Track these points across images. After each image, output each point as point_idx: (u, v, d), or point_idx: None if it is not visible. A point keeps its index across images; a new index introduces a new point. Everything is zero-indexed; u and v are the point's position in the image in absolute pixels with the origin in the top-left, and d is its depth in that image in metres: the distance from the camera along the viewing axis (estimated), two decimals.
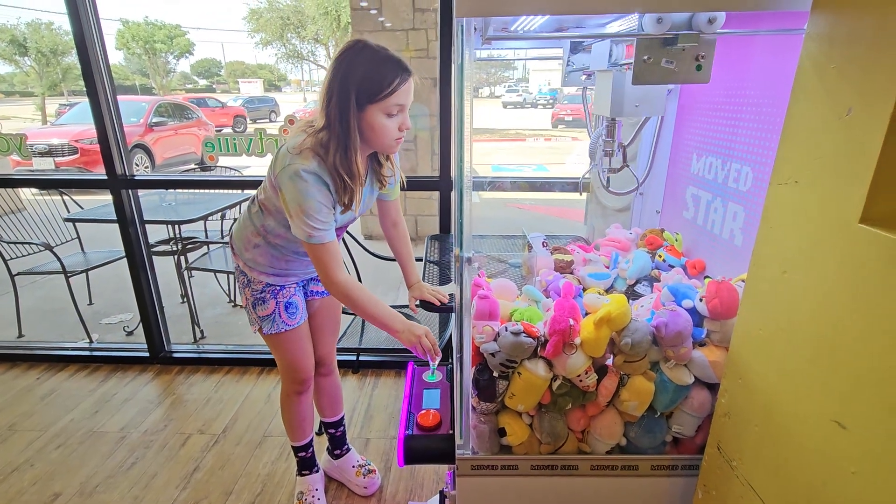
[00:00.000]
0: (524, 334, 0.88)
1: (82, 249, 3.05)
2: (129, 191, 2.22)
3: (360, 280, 1.97)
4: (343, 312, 1.63)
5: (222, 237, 3.13)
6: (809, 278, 0.65)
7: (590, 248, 1.46)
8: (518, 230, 1.58)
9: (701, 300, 0.91)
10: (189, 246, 2.94)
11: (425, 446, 1.07)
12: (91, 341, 2.68)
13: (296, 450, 1.61)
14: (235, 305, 3.25)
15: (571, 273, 1.36)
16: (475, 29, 0.79)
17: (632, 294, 1.28)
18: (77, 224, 2.93)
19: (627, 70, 1.03)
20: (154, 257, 2.44)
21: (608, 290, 1.31)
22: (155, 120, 8.08)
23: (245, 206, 1.33)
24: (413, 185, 2.89)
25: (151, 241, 2.49)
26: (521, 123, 17.31)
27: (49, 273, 2.69)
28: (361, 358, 2.43)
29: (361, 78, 1.00)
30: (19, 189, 3.52)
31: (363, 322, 2.03)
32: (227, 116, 13.20)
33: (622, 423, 0.97)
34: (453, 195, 2.01)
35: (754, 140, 1.00)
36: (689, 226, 1.27)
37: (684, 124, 1.31)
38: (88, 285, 3.24)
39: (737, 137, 1.05)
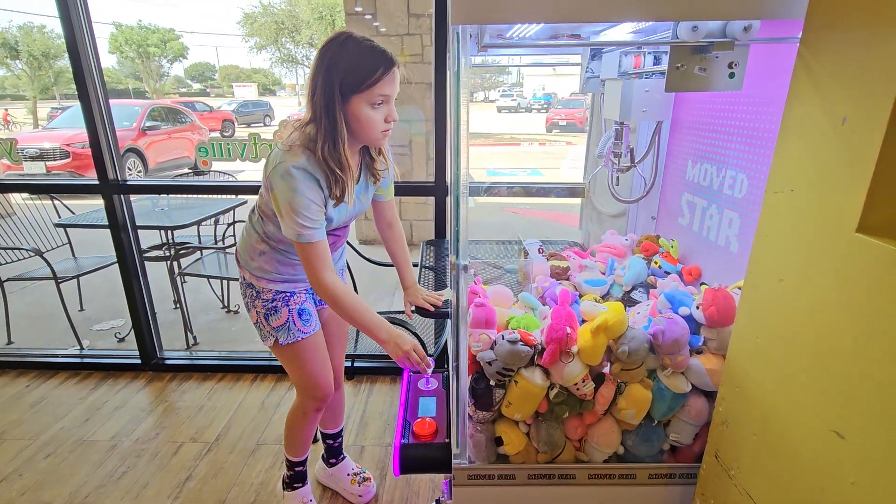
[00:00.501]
0: (521, 343, 0.87)
1: (73, 255, 3.01)
2: (122, 196, 2.20)
3: (355, 286, 1.96)
4: None
5: (216, 242, 3.11)
6: (806, 287, 0.65)
7: (585, 254, 1.45)
8: (513, 235, 1.58)
9: (697, 308, 0.91)
10: (182, 251, 2.91)
11: (421, 455, 1.06)
12: (82, 348, 2.65)
13: (293, 464, 1.56)
14: (229, 311, 3.22)
15: (567, 279, 1.35)
16: (470, 36, 0.79)
17: (628, 300, 1.28)
18: (68, 229, 2.90)
19: (636, 79, 1.06)
20: (146, 263, 2.42)
21: (604, 297, 1.31)
22: (148, 124, 8.03)
23: (247, 216, 1.31)
24: (408, 190, 2.89)
25: (144, 246, 2.47)
26: (516, 128, 17.38)
27: (39, 279, 2.66)
28: (356, 364, 2.41)
29: (345, 69, 1.00)
30: (9, 194, 3.48)
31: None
32: (216, 120, 13.14)
33: (619, 432, 0.96)
34: (448, 200, 2.01)
35: (749, 147, 1.00)
36: (684, 232, 1.27)
37: (679, 131, 1.32)
38: (80, 291, 3.21)
39: (731, 145, 1.05)
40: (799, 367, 0.67)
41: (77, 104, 2.08)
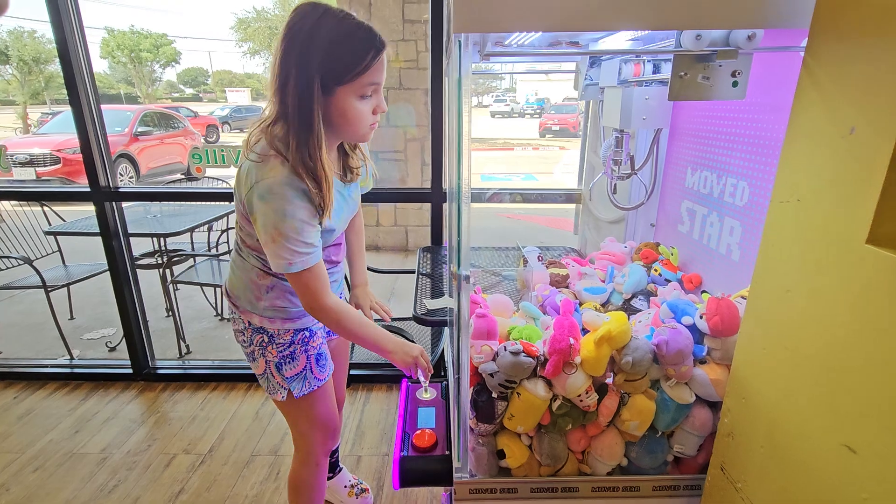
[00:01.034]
0: (523, 354, 0.86)
1: (64, 263, 2.97)
2: (113, 203, 2.17)
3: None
4: None
5: (209, 249, 3.08)
6: (814, 298, 0.64)
7: (585, 261, 1.45)
8: (509, 240, 1.57)
9: (701, 317, 0.90)
10: (175, 259, 2.87)
11: (421, 468, 1.04)
12: (72, 358, 2.60)
13: None
14: (222, 319, 3.18)
15: (567, 287, 1.34)
16: (473, 44, 0.78)
17: (628, 309, 1.27)
18: (59, 237, 2.86)
19: (636, 87, 1.06)
20: (138, 270, 2.38)
21: (604, 305, 1.30)
22: (140, 129, 7.97)
23: (232, 256, 1.11)
24: (404, 196, 2.87)
25: (136, 253, 2.43)
26: (509, 133, 17.47)
27: (28, 287, 2.61)
28: (352, 372, 2.39)
29: (326, 53, 0.81)
30: None
31: None
32: (200, 126, 13.01)
33: (623, 444, 0.95)
34: (446, 207, 1.99)
35: (751, 155, 1.00)
36: (684, 240, 1.27)
37: (679, 138, 1.31)
38: (70, 300, 3.16)
39: (733, 152, 1.05)
40: (807, 380, 0.66)
41: (68, 109, 2.05)
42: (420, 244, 4.71)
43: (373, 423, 2.11)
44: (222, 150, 2.17)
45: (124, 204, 2.25)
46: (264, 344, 1.09)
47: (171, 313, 2.79)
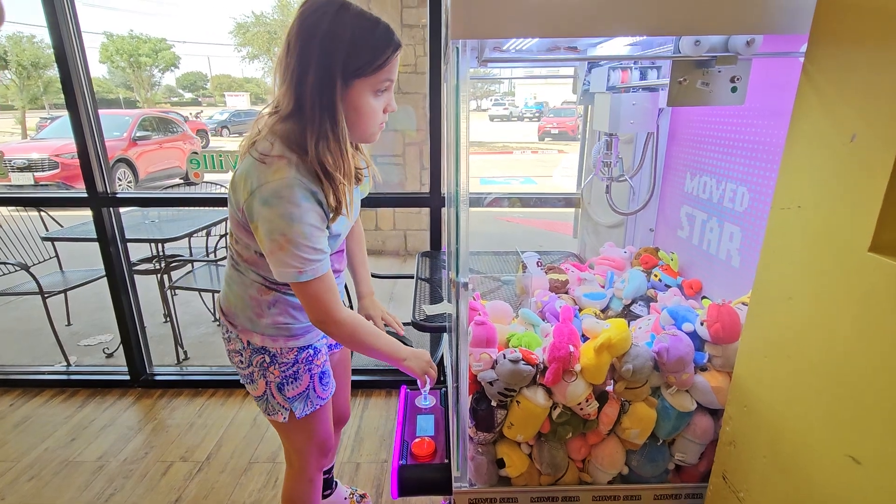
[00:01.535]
0: (523, 362, 0.85)
1: (61, 268, 2.95)
2: (110, 209, 2.16)
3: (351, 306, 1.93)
4: None
5: (207, 254, 3.07)
6: (816, 306, 0.63)
7: (584, 266, 1.44)
8: (507, 244, 1.56)
9: (702, 324, 0.89)
10: (173, 264, 2.86)
11: (420, 477, 1.03)
12: (69, 364, 2.58)
13: None
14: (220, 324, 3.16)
15: (566, 293, 1.34)
16: (471, 49, 0.78)
17: (628, 314, 1.26)
18: (56, 242, 2.84)
19: (623, 93, 1.07)
20: (136, 276, 2.37)
21: (604, 310, 1.29)
22: (139, 134, 7.97)
23: (227, 272, 1.04)
24: (403, 201, 2.86)
25: (134, 258, 2.42)
26: (508, 136, 17.50)
27: (25, 294, 2.59)
28: (351, 378, 2.37)
29: (351, 45, 0.79)
30: None
31: None
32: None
33: (624, 452, 0.94)
34: (444, 211, 1.99)
35: (750, 161, 0.99)
36: (684, 245, 1.26)
37: (677, 143, 1.31)
38: (67, 305, 3.14)
39: (732, 158, 1.05)
40: (810, 389, 0.65)
41: (66, 114, 2.04)
42: (419, 248, 4.71)
43: (371, 429, 2.09)
44: (220, 155, 2.16)
45: (122, 209, 2.24)
46: (265, 364, 1.02)
47: (168, 319, 2.78)
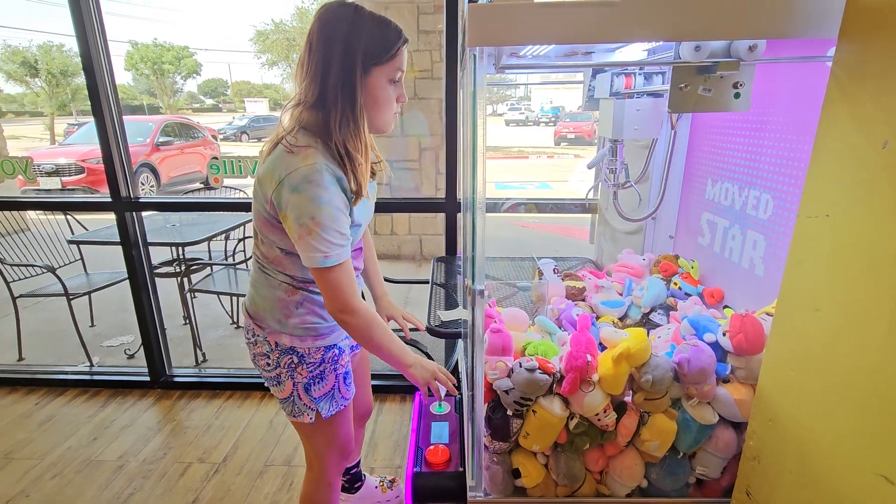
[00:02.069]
0: (539, 370, 0.84)
1: (85, 271, 3.03)
2: (133, 213, 2.21)
3: None
4: None
5: (226, 258, 3.11)
6: (845, 317, 0.61)
7: (602, 273, 1.42)
8: (523, 250, 1.56)
9: (724, 335, 0.87)
10: (193, 267, 2.91)
11: (435, 485, 1.02)
12: (91, 364, 2.64)
13: None
14: (238, 327, 3.21)
15: (584, 300, 1.32)
16: (488, 56, 0.77)
17: (647, 323, 1.24)
18: (81, 245, 2.92)
19: (627, 99, 1.06)
20: (157, 279, 2.42)
21: (622, 319, 1.27)
22: (161, 139, 8.16)
23: (253, 275, 1.08)
24: (419, 206, 2.87)
25: (155, 261, 2.47)
26: (524, 141, 17.45)
27: (51, 295, 2.67)
28: None
29: (369, 35, 0.88)
30: (21, 210, 3.52)
31: None
32: None
33: (643, 464, 0.92)
34: (460, 217, 1.98)
35: (775, 167, 0.97)
36: (704, 252, 1.24)
37: (697, 148, 1.29)
38: (91, 307, 3.22)
39: (756, 164, 1.02)
40: (840, 404, 0.63)
41: (93, 120, 2.10)
42: (434, 253, 4.72)
43: (385, 434, 2.09)
44: (239, 161, 2.19)
45: (144, 213, 2.29)
46: (293, 365, 1.05)
47: (188, 321, 2.83)
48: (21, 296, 2.66)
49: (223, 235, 3.01)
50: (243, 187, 3.28)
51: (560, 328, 1.10)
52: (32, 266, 2.68)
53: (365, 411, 1.46)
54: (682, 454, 0.91)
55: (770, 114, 0.99)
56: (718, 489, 0.94)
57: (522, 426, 0.89)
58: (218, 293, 2.77)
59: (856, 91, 0.60)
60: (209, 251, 3.28)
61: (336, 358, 1.09)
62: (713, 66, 0.84)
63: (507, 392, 0.85)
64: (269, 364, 1.07)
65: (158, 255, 2.75)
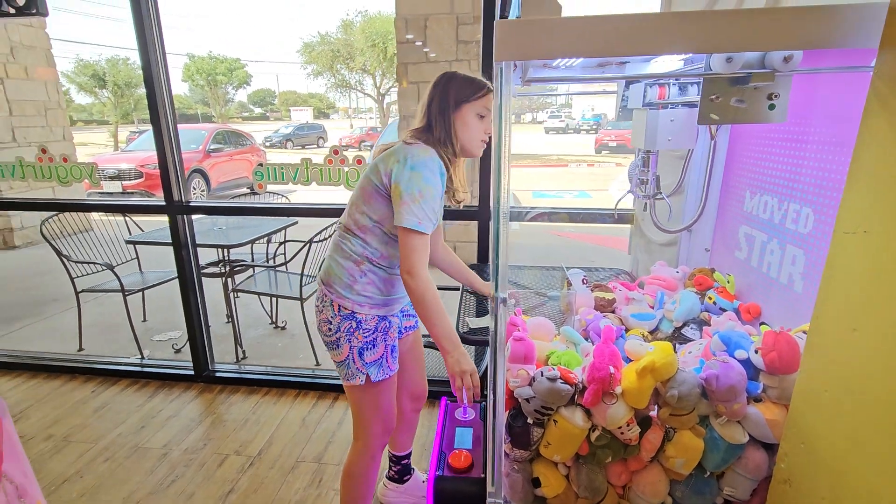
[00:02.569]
0: (561, 380, 0.84)
1: (140, 269, 3.23)
2: (184, 216, 2.35)
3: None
4: None
5: (267, 260, 3.24)
6: (884, 339, 0.59)
7: (633, 285, 1.39)
8: (558, 259, 1.56)
9: (756, 352, 0.84)
10: (236, 269, 3.05)
11: (456, 489, 1.04)
12: (142, 357, 2.81)
13: None
14: (277, 327, 3.33)
15: (613, 312, 1.30)
16: (515, 67, 0.79)
17: (679, 337, 1.20)
18: (137, 245, 3.12)
19: (661, 109, 1.04)
20: (203, 278, 2.55)
21: (653, 332, 1.24)
22: (213, 146, 8.60)
23: (332, 247, 1.32)
24: (451, 214, 2.89)
25: (202, 262, 2.61)
26: (564, 149, 17.23)
27: (109, 291, 2.86)
28: None
29: (459, 86, 1.21)
30: (89, 212, 3.79)
31: None
32: None
33: (667, 481, 0.90)
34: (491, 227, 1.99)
35: (816, 181, 0.93)
36: (741, 266, 1.20)
37: (736, 160, 1.25)
38: (144, 303, 3.42)
39: (797, 177, 0.98)
40: (877, 428, 0.60)
41: (151, 128, 2.26)
42: (467, 260, 4.73)
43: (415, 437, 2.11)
44: (282, 168, 2.29)
45: (194, 216, 2.43)
46: (352, 330, 1.25)
47: (230, 320, 2.96)
48: (83, 290, 2.87)
49: (265, 239, 3.14)
50: (286, 193, 3.42)
51: (587, 339, 1.09)
52: (94, 263, 2.89)
53: (420, 392, 1.57)
54: (709, 473, 0.88)
55: (812, 124, 0.95)
56: None
57: (543, 435, 0.89)
58: (259, 293, 2.89)
59: (895, 102, 0.57)
60: (252, 253, 3.43)
61: (387, 329, 1.29)
62: (747, 78, 0.82)
63: (528, 400, 0.86)
64: (330, 329, 1.27)
65: (205, 256, 2.91)
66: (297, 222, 3.27)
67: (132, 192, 7.11)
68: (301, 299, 2.69)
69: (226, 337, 3.06)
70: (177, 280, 2.45)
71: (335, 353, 1.28)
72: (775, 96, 0.84)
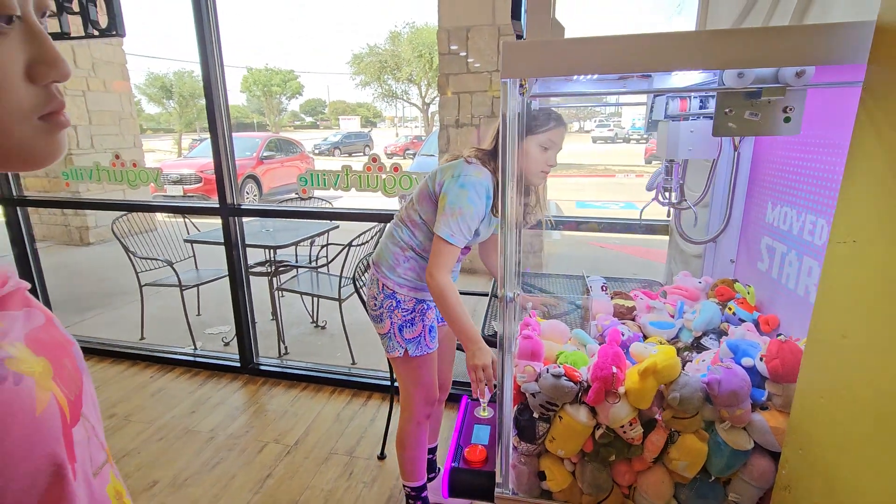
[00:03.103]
0: (565, 377, 0.88)
1: (196, 267, 3.49)
2: (236, 218, 2.54)
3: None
4: None
5: (310, 262, 3.42)
6: (868, 345, 0.60)
7: (655, 295, 1.41)
8: (598, 271, 1.60)
9: (761, 359, 0.86)
10: (281, 269, 3.24)
11: (469, 481, 1.09)
12: (195, 348, 3.04)
13: (416, 492, 1.61)
14: (317, 326, 3.49)
15: (633, 320, 1.32)
16: (524, 83, 0.85)
17: (698, 347, 1.21)
18: (194, 245, 3.38)
19: (682, 121, 1.07)
20: (251, 277, 2.74)
21: (672, 341, 1.25)
22: (265, 154, 9.08)
23: (386, 233, 1.48)
24: None
25: (251, 262, 2.80)
26: (612, 159, 16.87)
27: (168, 286, 3.12)
28: None
29: (529, 118, 1.28)
30: (154, 212, 4.12)
31: None
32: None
33: (671, 483, 0.92)
34: (523, 233, 2.04)
35: (831, 192, 0.93)
36: (763, 278, 1.19)
37: (760, 171, 1.25)
38: (198, 298, 3.69)
39: (814, 188, 0.99)
40: (863, 430, 0.61)
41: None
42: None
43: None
44: (324, 175, 2.44)
45: (245, 218, 2.63)
46: (392, 308, 1.42)
47: (274, 317, 3.15)
48: (146, 284, 3.14)
49: (308, 241, 3.32)
50: (331, 199, 3.59)
51: (600, 343, 1.13)
52: (156, 259, 3.16)
53: (443, 383, 1.69)
54: (713, 478, 0.90)
55: (830, 136, 0.95)
56: None
57: (549, 430, 0.94)
58: (301, 293, 3.05)
59: (881, 117, 0.60)
60: (296, 255, 3.62)
61: (424, 311, 1.45)
62: (759, 92, 0.84)
63: (533, 395, 0.91)
64: (375, 304, 1.45)
65: (253, 256, 3.11)
66: (338, 226, 3.43)
67: (192, 196, 7.62)
68: (340, 300, 2.83)
69: (270, 333, 3.25)
70: (227, 278, 2.65)
71: (379, 326, 1.46)
72: (790, 109, 0.86)
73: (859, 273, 0.63)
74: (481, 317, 1.67)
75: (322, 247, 3.40)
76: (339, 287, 2.82)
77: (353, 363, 2.89)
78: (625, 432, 0.89)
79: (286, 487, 1.91)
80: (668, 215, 1.34)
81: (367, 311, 1.54)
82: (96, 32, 2.03)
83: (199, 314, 3.66)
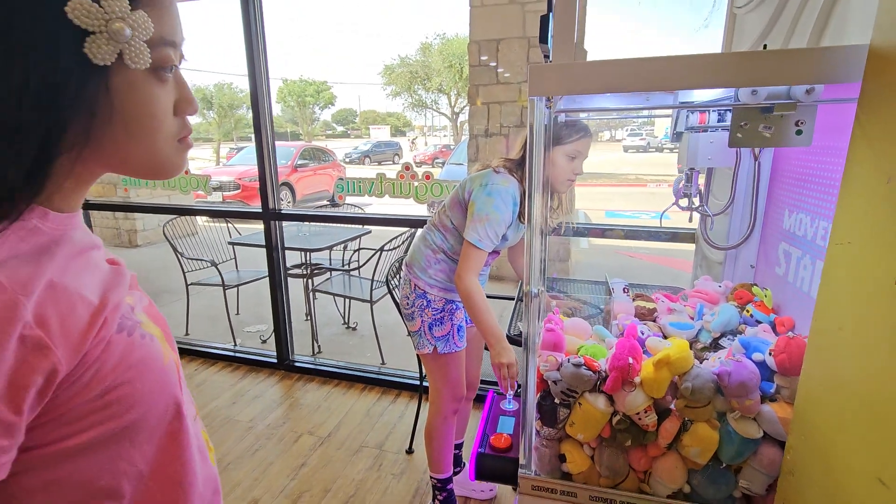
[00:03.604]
0: (584, 367, 0.96)
1: (237, 268, 3.69)
2: (277, 222, 2.71)
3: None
4: None
5: (342, 265, 3.58)
6: (857, 336, 0.67)
7: (676, 298, 1.46)
8: (623, 277, 1.66)
9: (770, 354, 0.92)
10: (316, 271, 3.40)
11: (494, 465, 1.18)
12: (235, 344, 3.22)
13: (445, 483, 1.69)
14: (348, 327, 3.63)
15: (654, 321, 1.38)
16: (548, 100, 0.95)
17: (716, 347, 1.26)
18: (236, 247, 3.59)
19: (701, 133, 1.14)
20: (289, 279, 2.91)
21: (691, 342, 1.31)
22: (300, 162, 9.41)
23: (419, 236, 1.59)
24: None
25: (288, 264, 2.97)
26: (644, 168, 16.65)
27: (212, 285, 3.32)
28: None
29: (557, 128, 1.36)
30: (196, 216, 4.38)
31: None
32: None
33: (685, 469, 0.98)
34: (550, 239, 2.12)
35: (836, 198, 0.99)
36: (780, 282, 1.24)
37: (779, 179, 1.30)
38: (238, 298, 3.89)
39: (825, 195, 1.04)
40: (853, 415, 0.67)
41: (248, 145, 2.65)
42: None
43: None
44: (359, 182, 2.59)
45: (283, 223, 2.79)
46: (423, 306, 1.51)
47: (309, 317, 3.30)
48: (192, 283, 3.35)
49: (342, 245, 3.47)
50: (362, 205, 3.75)
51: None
52: (201, 260, 3.37)
53: (471, 381, 1.78)
54: (725, 465, 0.95)
55: (842, 146, 1.01)
56: None
57: (569, 416, 1.02)
58: (334, 294, 3.20)
59: (872, 129, 0.66)
60: (330, 258, 3.79)
61: (453, 311, 1.53)
62: (772, 107, 0.91)
63: (555, 382, 0.99)
64: (408, 303, 1.55)
65: (289, 259, 3.28)
66: (370, 231, 3.58)
67: (230, 202, 7.97)
68: (371, 302, 2.96)
69: (304, 332, 3.41)
70: (266, 279, 2.82)
71: (410, 323, 1.55)
72: (802, 123, 0.92)
73: (852, 272, 0.69)
74: (508, 319, 1.76)
75: (354, 251, 3.55)
76: (371, 290, 2.95)
77: (383, 363, 3.01)
78: (640, 419, 0.96)
79: (320, 476, 2.03)
80: (690, 220, 1.40)
81: (399, 310, 1.64)
82: None
83: (238, 313, 3.86)
